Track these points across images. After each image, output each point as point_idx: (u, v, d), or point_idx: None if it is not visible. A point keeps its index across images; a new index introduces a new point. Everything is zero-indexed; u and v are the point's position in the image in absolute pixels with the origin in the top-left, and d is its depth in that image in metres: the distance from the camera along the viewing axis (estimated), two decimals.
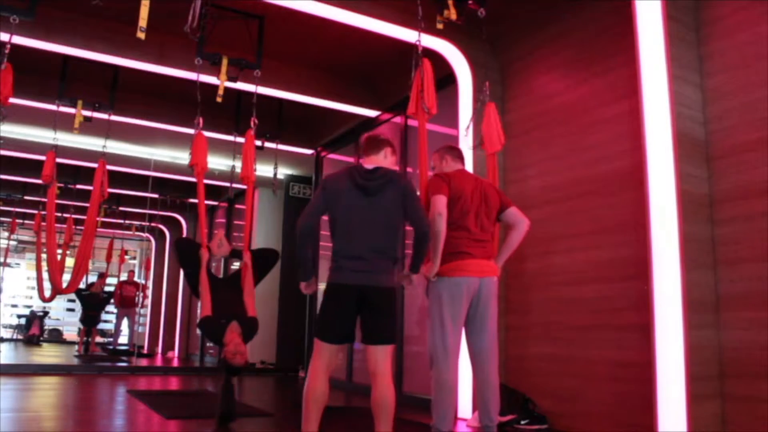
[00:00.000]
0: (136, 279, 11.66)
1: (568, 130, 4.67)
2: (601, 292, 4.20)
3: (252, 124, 4.98)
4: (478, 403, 3.25)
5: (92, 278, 11.91)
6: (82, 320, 10.78)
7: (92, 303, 10.72)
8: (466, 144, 4.36)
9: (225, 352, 4.00)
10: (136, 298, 11.33)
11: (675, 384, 3.34)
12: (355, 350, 7.05)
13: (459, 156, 3.59)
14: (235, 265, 8.34)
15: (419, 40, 3.56)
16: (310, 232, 2.98)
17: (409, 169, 6.34)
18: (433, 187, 3.34)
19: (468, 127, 3.83)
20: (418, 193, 3.26)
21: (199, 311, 4.23)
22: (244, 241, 4.88)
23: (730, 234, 3.60)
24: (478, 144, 3.92)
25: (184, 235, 11.95)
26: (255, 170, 4.95)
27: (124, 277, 11.58)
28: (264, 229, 9.56)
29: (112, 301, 11.21)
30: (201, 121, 4.64)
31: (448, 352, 3.16)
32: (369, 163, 3.10)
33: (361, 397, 5.93)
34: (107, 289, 11.48)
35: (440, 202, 3.26)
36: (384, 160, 3.12)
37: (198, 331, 10.38)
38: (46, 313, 14.78)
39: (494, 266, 3.37)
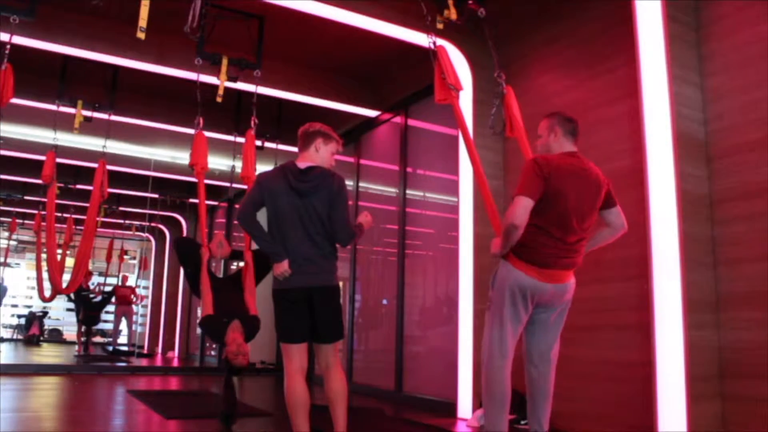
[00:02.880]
0: (129, 283, 11.71)
1: None
2: (601, 292, 4.20)
3: (252, 123, 4.96)
4: (528, 406, 3.04)
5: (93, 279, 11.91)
6: (82, 320, 10.75)
7: (90, 303, 10.71)
8: (490, 131, 4.06)
9: (227, 353, 3.95)
10: (132, 298, 11.42)
11: (675, 384, 3.34)
12: (355, 350, 7.05)
13: (572, 132, 2.96)
14: (235, 265, 8.34)
15: (431, 36, 3.53)
16: (252, 220, 2.96)
17: (409, 169, 6.34)
18: (523, 181, 2.76)
19: (492, 113, 3.73)
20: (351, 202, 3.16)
21: (199, 311, 4.18)
22: (244, 242, 4.84)
23: (730, 234, 3.60)
24: (501, 130, 3.72)
25: (184, 235, 11.95)
26: (255, 170, 4.94)
27: (125, 275, 11.64)
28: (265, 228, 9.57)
29: (113, 300, 11.25)
30: (201, 120, 4.63)
31: (505, 355, 2.90)
32: (302, 160, 3.07)
33: (360, 397, 5.93)
34: (106, 288, 11.50)
35: (522, 210, 2.69)
36: (316, 154, 3.07)
37: (198, 331, 10.40)
38: (45, 313, 14.78)
39: (572, 272, 2.95)
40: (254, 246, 3.70)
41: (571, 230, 2.80)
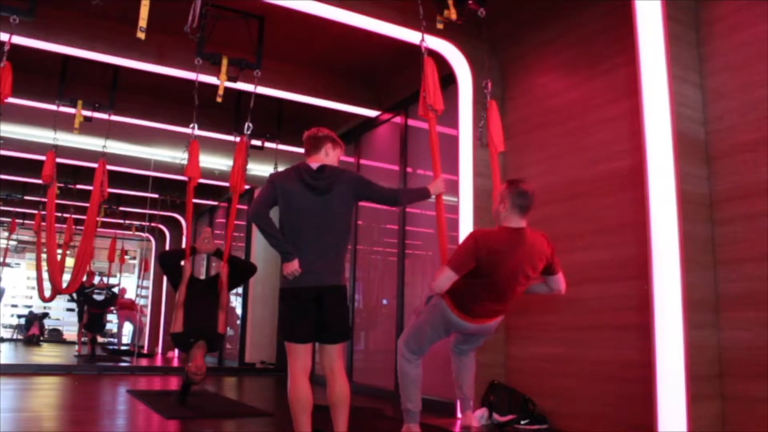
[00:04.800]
0: (129, 295, 11.72)
1: (568, 130, 4.67)
2: (601, 292, 4.20)
3: (246, 129, 4.89)
4: (455, 381, 3.54)
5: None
6: (86, 324, 10.69)
7: (94, 301, 10.68)
8: (478, 142, 4.17)
9: (187, 369, 4.45)
10: (135, 305, 11.47)
11: (675, 384, 3.34)
12: (355, 350, 7.05)
13: (523, 207, 3.07)
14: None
15: (423, 41, 3.53)
16: (266, 217, 2.98)
17: (408, 170, 6.34)
18: (457, 254, 3.05)
19: (480, 126, 3.77)
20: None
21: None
22: (224, 252, 4.80)
23: (730, 234, 3.60)
24: (485, 143, 3.83)
25: (184, 236, 11.96)
26: (245, 180, 4.83)
27: (125, 276, 11.63)
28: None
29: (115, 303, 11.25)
30: (195, 127, 4.60)
31: (419, 355, 3.35)
32: (312, 162, 3.12)
33: (360, 397, 5.93)
34: (111, 281, 11.50)
35: (445, 281, 3.06)
36: (326, 158, 3.14)
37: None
38: (46, 314, 14.77)
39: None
40: (268, 250, 3.72)
41: (503, 295, 3.13)
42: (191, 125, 4.57)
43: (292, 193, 3.00)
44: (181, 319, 4.43)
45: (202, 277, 8.28)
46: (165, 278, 12.43)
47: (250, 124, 4.93)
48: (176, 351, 11.74)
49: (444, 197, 5.01)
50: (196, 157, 4.59)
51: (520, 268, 3.06)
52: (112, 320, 12.63)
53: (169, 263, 4.80)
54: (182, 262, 4.59)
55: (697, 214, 3.63)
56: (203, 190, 9.93)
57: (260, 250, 9.20)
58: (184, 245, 11.48)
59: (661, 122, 3.59)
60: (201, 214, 12.19)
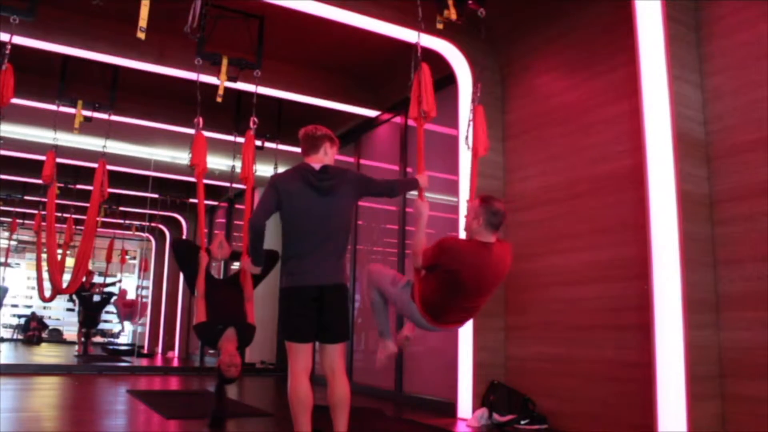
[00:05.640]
0: (130, 296, 11.76)
1: (568, 130, 4.67)
2: (601, 292, 4.20)
3: (251, 124, 4.95)
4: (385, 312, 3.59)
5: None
6: (82, 322, 10.77)
7: (91, 303, 10.73)
8: (465, 145, 4.20)
9: (220, 362, 4.02)
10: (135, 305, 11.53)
11: (675, 384, 3.34)
12: (355, 350, 7.05)
13: (496, 225, 3.10)
14: (236, 266, 8.34)
15: (419, 42, 3.53)
16: (262, 229, 2.99)
17: (409, 170, 6.34)
18: (427, 257, 3.14)
19: (468, 129, 3.78)
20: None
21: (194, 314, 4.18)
22: (243, 245, 4.74)
23: (730, 234, 3.60)
24: (468, 146, 3.82)
25: (184, 235, 11.95)
26: (255, 171, 4.92)
27: (125, 275, 11.65)
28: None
29: (112, 300, 11.27)
30: (201, 121, 4.60)
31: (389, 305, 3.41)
32: (313, 162, 3.11)
33: (361, 397, 5.93)
34: (106, 289, 11.51)
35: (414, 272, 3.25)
36: (325, 156, 3.13)
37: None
38: (46, 326, 14.83)
39: None
40: (269, 247, 3.59)
41: (471, 306, 3.17)
42: (196, 119, 4.55)
43: (295, 195, 2.99)
44: (203, 308, 4.04)
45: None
46: (165, 279, 12.50)
47: (256, 119, 4.95)
48: (176, 351, 11.75)
49: (444, 197, 5.04)
50: (201, 146, 4.59)
51: (488, 281, 3.13)
52: (112, 320, 12.65)
53: (184, 255, 4.49)
54: (199, 253, 4.37)
55: (697, 214, 3.63)
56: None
57: None
58: (185, 236, 11.53)
59: (661, 122, 3.59)
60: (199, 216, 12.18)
